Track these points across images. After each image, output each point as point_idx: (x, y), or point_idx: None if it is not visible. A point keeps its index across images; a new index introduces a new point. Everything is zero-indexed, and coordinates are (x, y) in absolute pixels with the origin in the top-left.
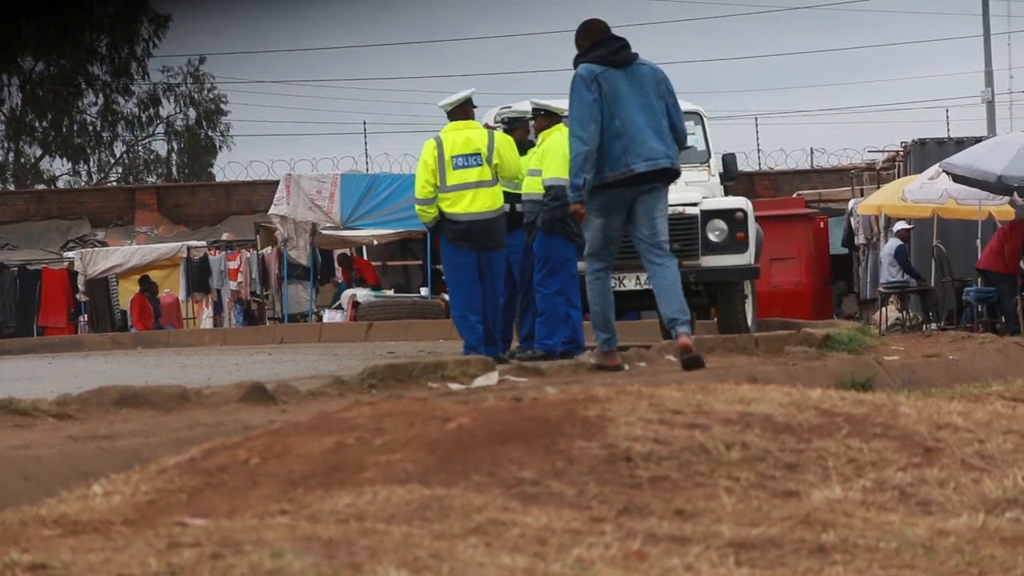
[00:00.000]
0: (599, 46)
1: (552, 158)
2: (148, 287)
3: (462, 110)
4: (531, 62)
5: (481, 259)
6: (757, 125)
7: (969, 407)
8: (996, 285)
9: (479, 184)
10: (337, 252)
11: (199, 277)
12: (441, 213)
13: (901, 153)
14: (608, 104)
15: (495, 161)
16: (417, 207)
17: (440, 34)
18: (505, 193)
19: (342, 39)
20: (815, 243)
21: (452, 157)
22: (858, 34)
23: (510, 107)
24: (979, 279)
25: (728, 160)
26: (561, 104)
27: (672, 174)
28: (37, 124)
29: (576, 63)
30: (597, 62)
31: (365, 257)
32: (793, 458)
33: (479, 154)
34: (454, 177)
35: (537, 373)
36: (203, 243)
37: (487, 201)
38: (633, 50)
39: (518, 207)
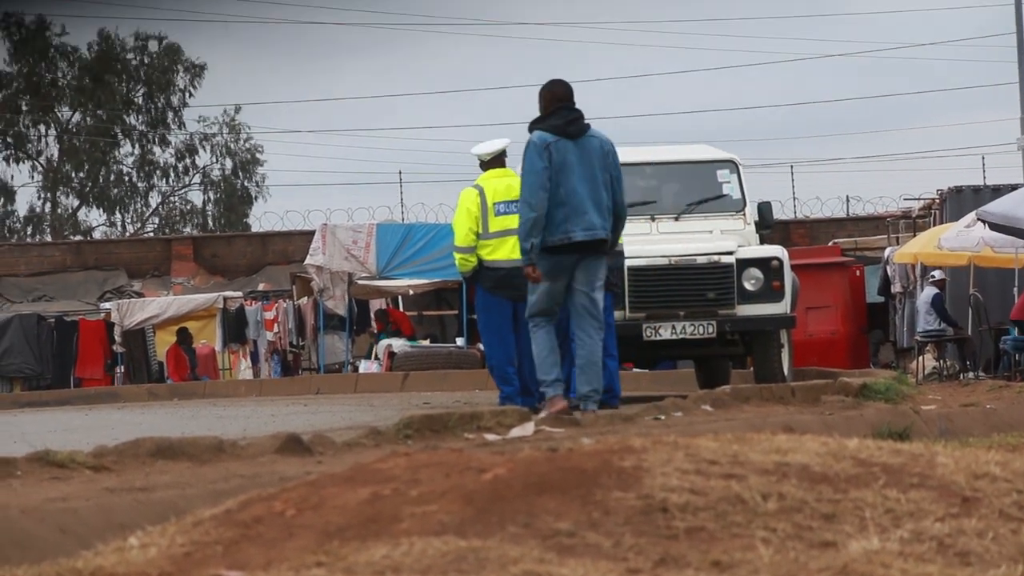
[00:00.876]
0: (556, 115)
1: None
2: (184, 338)
3: (498, 159)
4: None
5: (518, 308)
6: (792, 173)
7: (1007, 457)
8: None
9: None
10: (374, 308)
11: (235, 328)
12: (480, 261)
13: (937, 201)
14: (556, 173)
15: None
16: (458, 256)
17: (476, 83)
18: None
19: (377, 88)
20: (851, 291)
21: (495, 204)
22: (893, 81)
23: None
24: (1016, 328)
25: (763, 208)
26: None
27: (606, 245)
28: (74, 175)
29: (532, 126)
30: (551, 131)
31: (401, 307)
32: (830, 508)
33: None
34: (496, 224)
35: (573, 423)
36: (239, 293)
37: None
38: (586, 121)
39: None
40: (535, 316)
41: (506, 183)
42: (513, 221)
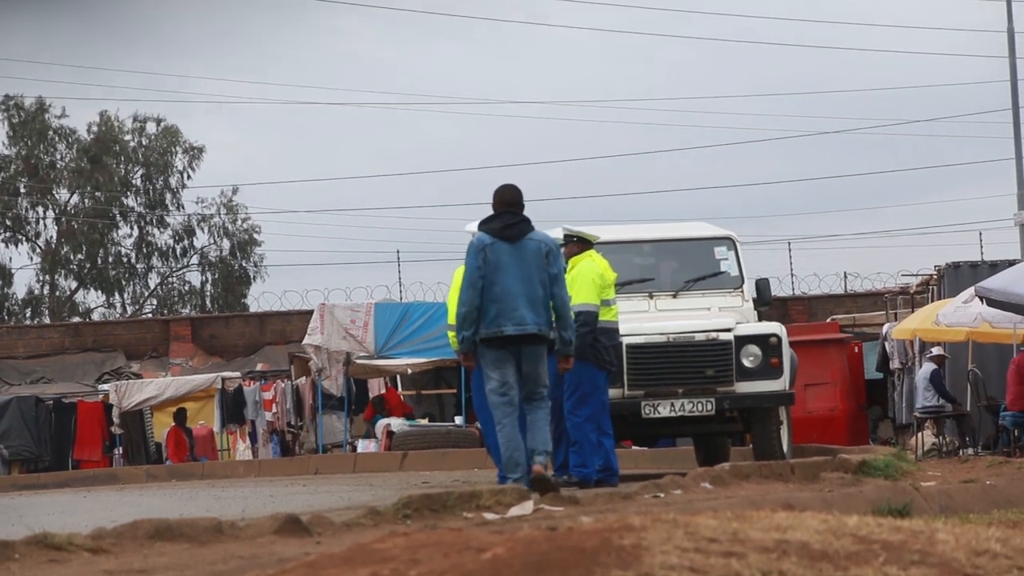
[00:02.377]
0: (498, 218)
1: (581, 284)
2: (182, 419)
3: None
4: (559, 189)
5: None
6: (790, 250)
7: (1008, 533)
8: None
9: None
10: (372, 388)
11: (234, 408)
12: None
13: (935, 277)
14: (491, 272)
15: None
16: (452, 334)
17: (472, 162)
18: None
19: (374, 167)
20: (850, 368)
21: None
22: (890, 157)
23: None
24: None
25: (761, 285)
26: (593, 231)
27: (540, 339)
28: (72, 257)
29: (479, 226)
30: (490, 233)
31: (399, 386)
32: None
33: None
34: None
35: (572, 502)
36: (237, 374)
37: None
38: (528, 225)
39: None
40: (496, 407)
41: None
42: None
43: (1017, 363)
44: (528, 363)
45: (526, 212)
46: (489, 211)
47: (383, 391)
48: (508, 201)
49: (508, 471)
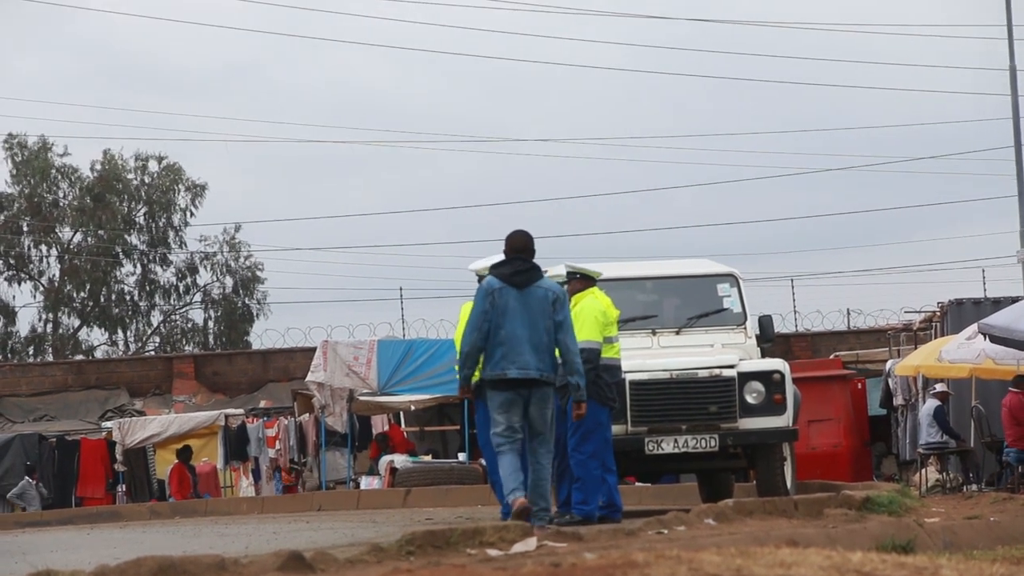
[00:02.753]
0: (508, 264)
1: (584, 321)
2: (186, 456)
3: None
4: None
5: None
6: (793, 287)
7: (1012, 569)
8: None
9: None
10: (376, 425)
11: (237, 445)
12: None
13: (938, 314)
14: (498, 316)
15: None
16: (457, 367)
17: (476, 199)
18: None
19: (377, 205)
20: (853, 404)
21: None
22: (893, 195)
23: (546, 271)
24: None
25: (764, 322)
26: (596, 268)
27: (544, 384)
28: (75, 295)
29: (491, 270)
30: (499, 278)
31: (403, 423)
32: None
33: None
34: None
35: (576, 538)
36: (241, 411)
37: None
38: (538, 272)
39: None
40: (499, 443)
41: None
42: None
43: (1008, 405)
44: (535, 408)
45: (537, 256)
46: (490, 250)
47: (386, 428)
48: (519, 248)
49: (507, 489)
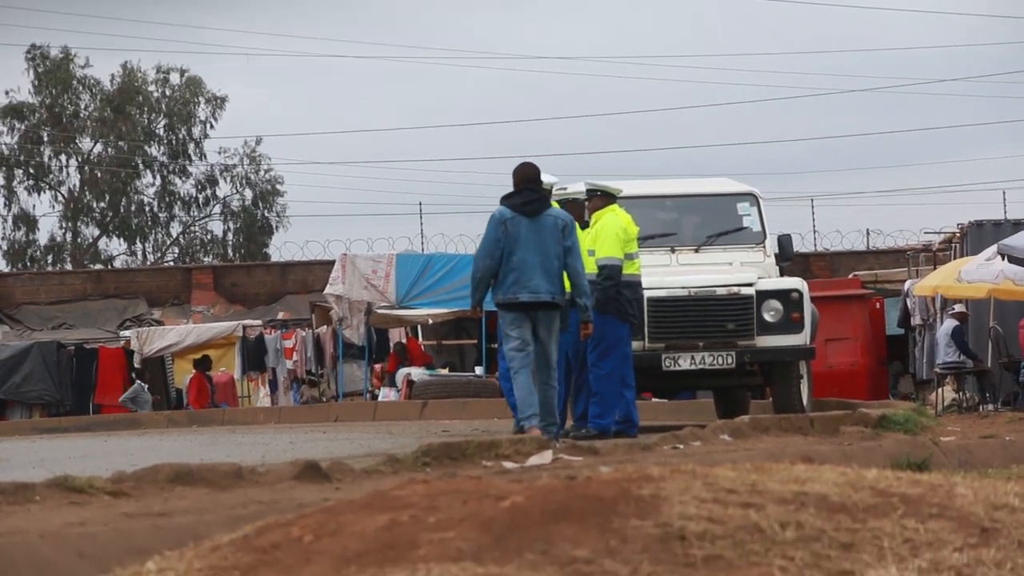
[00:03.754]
0: (519, 194)
1: (605, 238)
2: (207, 366)
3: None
4: (581, 144)
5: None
6: (813, 206)
7: None
8: None
9: None
10: (393, 338)
11: (255, 356)
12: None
13: (957, 234)
14: (511, 243)
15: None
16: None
17: (496, 116)
18: None
19: (397, 119)
20: (871, 324)
21: None
22: (914, 116)
23: (565, 188)
24: None
25: (784, 241)
26: (616, 185)
27: (554, 306)
28: (95, 205)
29: (501, 200)
30: (511, 208)
31: (420, 336)
32: (848, 538)
33: None
34: None
35: (591, 452)
36: (259, 322)
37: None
38: (547, 202)
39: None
40: (513, 359)
41: None
42: None
43: None
44: (543, 329)
45: (557, 174)
46: (511, 167)
47: (404, 340)
48: (529, 178)
49: (522, 415)
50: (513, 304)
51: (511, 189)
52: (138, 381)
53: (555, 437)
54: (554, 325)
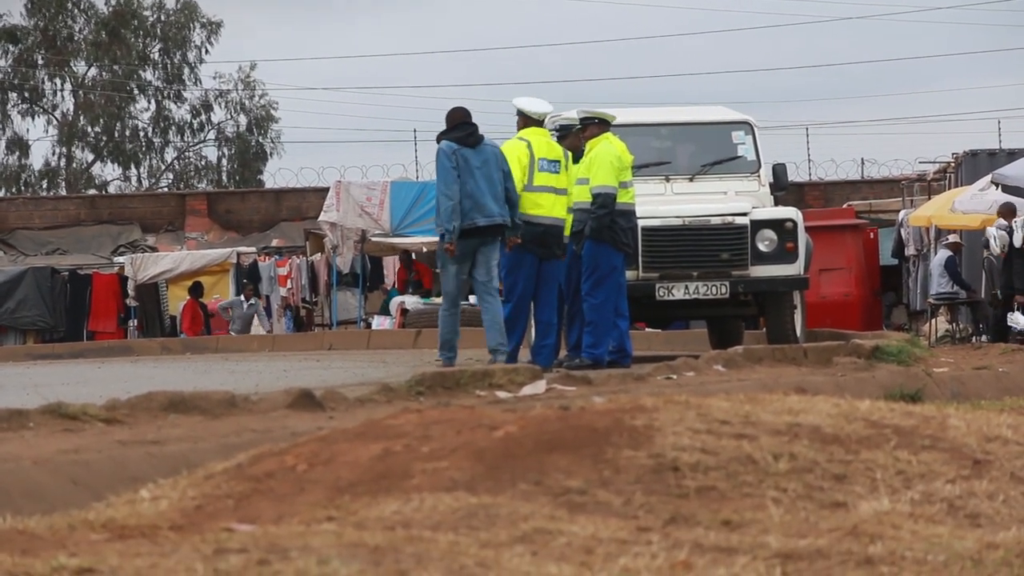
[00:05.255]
0: (458, 129)
1: (600, 167)
2: (200, 293)
3: (540, 120)
4: (575, 71)
5: (543, 268)
6: (808, 135)
7: (1019, 420)
8: None
9: (558, 190)
10: (387, 265)
11: (249, 283)
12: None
13: (952, 164)
14: (461, 173)
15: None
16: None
17: (492, 43)
18: None
19: (393, 46)
20: (865, 254)
21: (540, 159)
22: (910, 45)
23: (560, 115)
24: None
25: (778, 170)
26: (612, 112)
27: (495, 231)
28: (89, 129)
29: (439, 138)
30: (456, 141)
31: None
32: (841, 469)
33: (559, 161)
34: (541, 179)
35: (585, 382)
36: (253, 249)
37: (562, 209)
38: (481, 135)
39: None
40: (446, 298)
41: (547, 142)
42: (553, 179)
43: None
44: (483, 255)
45: (551, 101)
46: (505, 95)
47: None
48: (462, 117)
49: (441, 349)
50: (469, 231)
51: (454, 128)
52: (241, 295)
53: (505, 360)
54: (494, 255)
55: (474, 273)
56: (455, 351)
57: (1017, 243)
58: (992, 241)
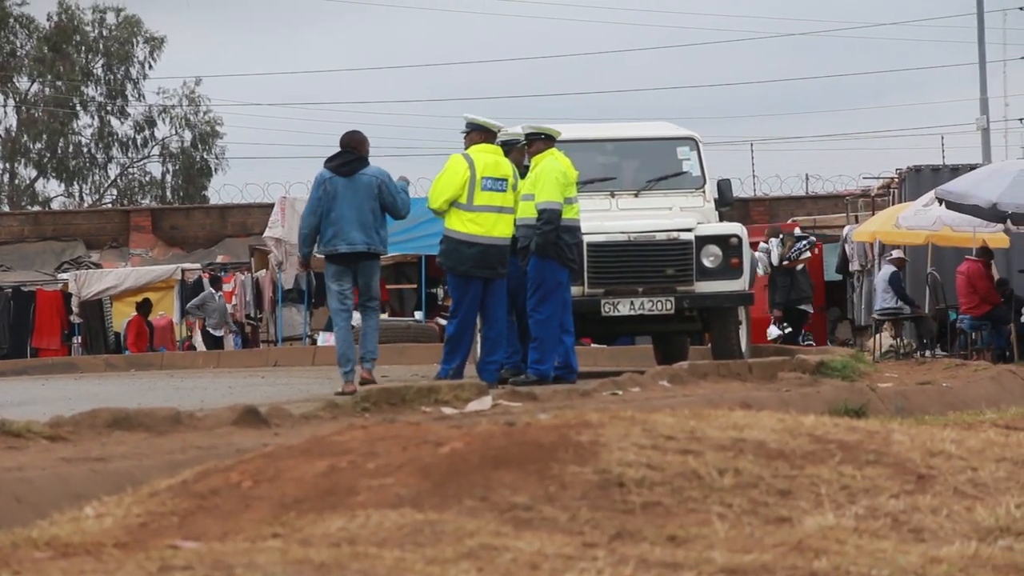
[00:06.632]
0: (338, 157)
1: (545, 182)
2: (148, 310)
3: (491, 135)
4: (523, 87)
5: (489, 285)
6: (752, 151)
7: (962, 435)
8: (992, 319)
9: (502, 209)
10: None
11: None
12: (452, 235)
13: (896, 180)
14: (329, 201)
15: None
16: (433, 208)
17: (441, 58)
18: None
19: (339, 61)
20: (810, 270)
21: (482, 178)
22: (855, 61)
23: (505, 130)
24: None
25: (723, 186)
26: (557, 128)
27: (371, 256)
28: (32, 145)
29: (325, 163)
30: (330, 169)
31: None
32: (786, 484)
33: (506, 180)
34: (483, 198)
35: (531, 398)
36: (198, 265)
37: (506, 228)
38: (363, 163)
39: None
40: (336, 313)
41: (494, 160)
42: (498, 198)
43: (966, 272)
44: (362, 276)
45: (500, 118)
46: (456, 110)
47: None
48: (344, 143)
49: (340, 365)
50: (334, 256)
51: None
52: (210, 288)
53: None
54: (373, 272)
55: (358, 289)
56: (351, 363)
57: (775, 262)
58: (757, 265)
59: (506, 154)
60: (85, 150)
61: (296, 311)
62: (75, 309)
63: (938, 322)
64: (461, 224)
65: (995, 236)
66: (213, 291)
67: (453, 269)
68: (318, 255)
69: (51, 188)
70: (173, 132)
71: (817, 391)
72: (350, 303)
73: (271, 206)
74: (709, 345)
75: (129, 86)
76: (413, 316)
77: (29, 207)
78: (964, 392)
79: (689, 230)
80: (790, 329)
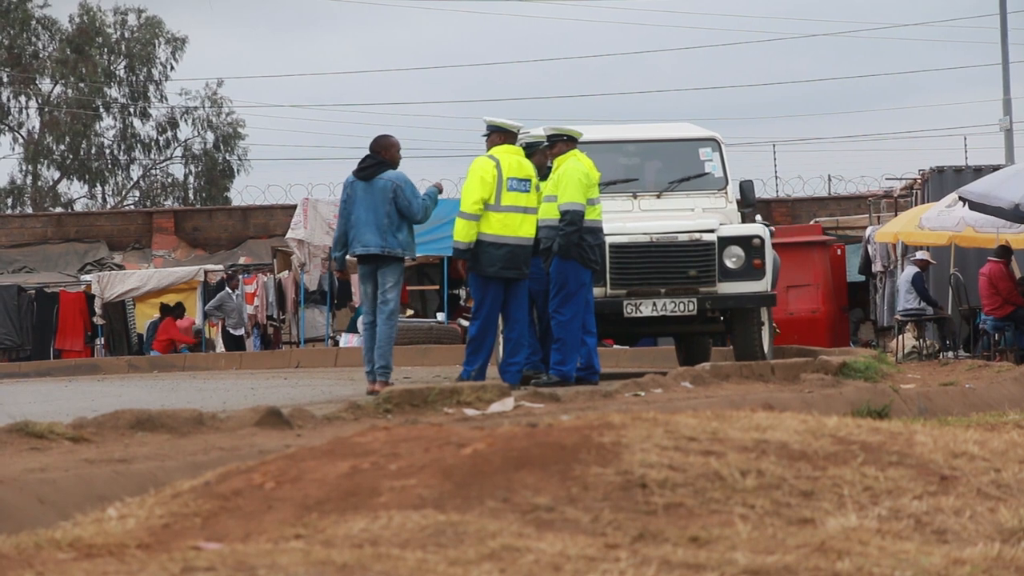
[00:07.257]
0: (362, 161)
1: (567, 184)
2: (180, 314)
3: (513, 137)
4: (543, 88)
5: (512, 286)
6: (775, 152)
7: (985, 436)
8: (1016, 320)
9: (527, 210)
10: (355, 283)
11: (231, 274)
12: (480, 236)
13: (919, 181)
14: (350, 205)
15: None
16: (460, 223)
17: (462, 59)
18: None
19: (361, 63)
20: (832, 270)
21: (508, 179)
22: (877, 61)
23: (527, 132)
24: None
25: (745, 187)
26: (579, 129)
27: (387, 258)
28: (54, 147)
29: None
30: (354, 174)
31: None
32: (808, 486)
33: (530, 180)
34: (510, 198)
35: (553, 399)
36: (220, 267)
37: (531, 228)
38: (384, 167)
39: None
40: (366, 313)
41: (517, 160)
42: (523, 199)
43: (987, 274)
44: (379, 278)
45: (517, 120)
46: (478, 111)
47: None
48: (372, 147)
49: (365, 364)
50: (358, 258)
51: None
52: (226, 288)
53: (387, 381)
54: (387, 276)
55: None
56: (371, 364)
57: None
58: None
59: (529, 156)
60: (108, 152)
61: (319, 312)
62: (98, 311)
63: (967, 323)
64: (488, 225)
65: (1018, 237)
66: (229, 291)
67: (482, 271)
68: (349, 258)
69: (74, 190)
70: (195, 133)
71: (840, 392)
72: (370, 304)
73: (293, 207)
74: (731, 346)
75: (151, 87)
76: (435, 317)
77: (52, 209)
78: (987, 393)
79: (711, 231)
80: None
